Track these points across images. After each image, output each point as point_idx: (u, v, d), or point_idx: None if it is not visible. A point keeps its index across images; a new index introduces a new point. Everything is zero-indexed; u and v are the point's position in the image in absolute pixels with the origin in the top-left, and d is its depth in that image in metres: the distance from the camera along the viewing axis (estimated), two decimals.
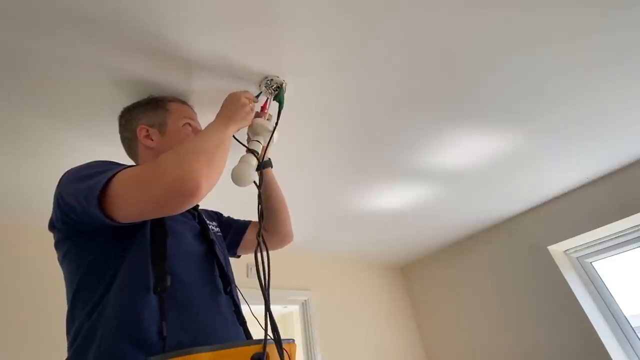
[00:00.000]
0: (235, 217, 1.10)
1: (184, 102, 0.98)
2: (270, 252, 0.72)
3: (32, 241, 1.50)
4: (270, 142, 0.97)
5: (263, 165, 1.03)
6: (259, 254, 0.61)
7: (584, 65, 1.19)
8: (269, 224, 1.04)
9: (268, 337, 0.54)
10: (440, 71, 1.12)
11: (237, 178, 0.81)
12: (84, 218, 0.60)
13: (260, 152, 0.90)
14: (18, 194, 1.33)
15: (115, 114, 0.96)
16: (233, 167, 0.84)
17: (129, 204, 0.59)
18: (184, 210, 0.60)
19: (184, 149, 0.65)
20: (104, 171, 0.61)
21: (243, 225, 1.06)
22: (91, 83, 0.95)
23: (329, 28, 0.92)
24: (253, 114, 0.90)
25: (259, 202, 0.74)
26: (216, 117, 0.81)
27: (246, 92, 0.91)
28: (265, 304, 0.58)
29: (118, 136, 0.93)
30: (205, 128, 0.76)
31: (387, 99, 1.21)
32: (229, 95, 0.88)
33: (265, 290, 0.58)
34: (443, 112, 1.31)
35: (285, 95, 1.04)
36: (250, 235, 1.04)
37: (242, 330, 0.73)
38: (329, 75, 1.07)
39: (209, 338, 0.62)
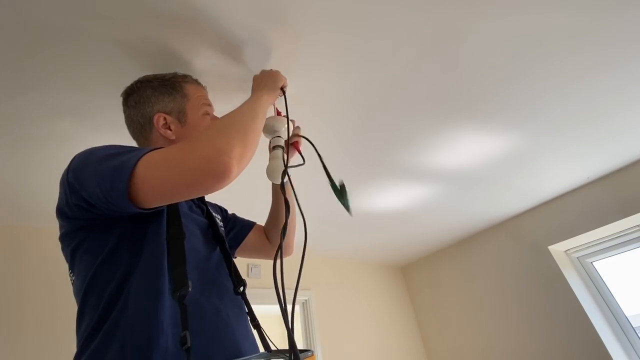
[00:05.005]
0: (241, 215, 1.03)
1: (197, 81, 0.87)
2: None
3: (33, 241, 1.51)
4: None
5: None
6: (278, 259, 0.55)
7: (583, 65, 1.19)
8: (272, 235, 0.98)
9: (285, 355, 0.49)
10: (442, 71, 1.12)
11: (270, 174, 0.81)
12: (102, 204, 0.55)
13: (283, 145, 0.88)
14: (19, 194, 1.33)
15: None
16: (266, 165, 0.83)
17: (156, 187, 0.53)
18: (213, 192, 0.55)
19: (216, 126, 0.60)
20: (128, 152, 0.56)
21: (247, 226, 0.99)
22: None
23: (331, 28, 0.92)
24: (282, 84, 0.89)
25: (283, 194, 0.70)
26: (251, 95, 0.81)
27: (277, 71, 0.91)
28: (285, 321, 0.50)
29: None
30: (239, 106, 0.72)
31: (388, 99, 1.21)
32: (261, 72, 0.89)
33: (283, 305, 0.51)
34: (444, 111, 1.31)
35: (287, 95, 1.03)
36: (253, 237, 0.97)
37: (257, 335, 0.71)
38: (330, 75, 1.07)
39: (233, 349, 0.60)
